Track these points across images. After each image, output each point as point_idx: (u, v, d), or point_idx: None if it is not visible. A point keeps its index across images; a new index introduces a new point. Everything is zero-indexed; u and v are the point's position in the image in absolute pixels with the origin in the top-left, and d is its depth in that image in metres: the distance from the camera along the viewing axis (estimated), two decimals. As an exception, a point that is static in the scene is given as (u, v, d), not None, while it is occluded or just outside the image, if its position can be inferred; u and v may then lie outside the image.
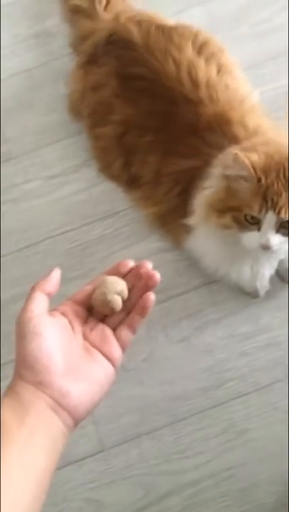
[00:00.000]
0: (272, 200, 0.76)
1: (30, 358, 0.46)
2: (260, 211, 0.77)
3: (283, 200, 0.76)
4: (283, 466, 0.91)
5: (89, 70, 1.05)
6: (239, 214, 0.79)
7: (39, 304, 0.49)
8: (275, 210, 0.77)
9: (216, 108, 0.93)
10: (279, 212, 0.77)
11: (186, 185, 0.93)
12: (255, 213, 0.78)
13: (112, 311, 0.51)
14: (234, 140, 0.88)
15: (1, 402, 0.46)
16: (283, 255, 0.92)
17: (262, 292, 0.98)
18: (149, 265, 0.52)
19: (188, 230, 0.94)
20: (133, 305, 0.52)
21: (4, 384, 0.95)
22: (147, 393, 0.97)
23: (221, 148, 0.86)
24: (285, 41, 1.16)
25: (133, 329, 0.52)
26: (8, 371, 0.87)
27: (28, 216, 1.10)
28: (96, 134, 1.07)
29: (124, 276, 0.52)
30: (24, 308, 0.48)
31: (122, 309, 0.51)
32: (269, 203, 0.77)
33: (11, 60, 1.22)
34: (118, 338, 0.51)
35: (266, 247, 0.79)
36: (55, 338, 0.47)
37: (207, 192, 0.87)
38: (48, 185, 1.12)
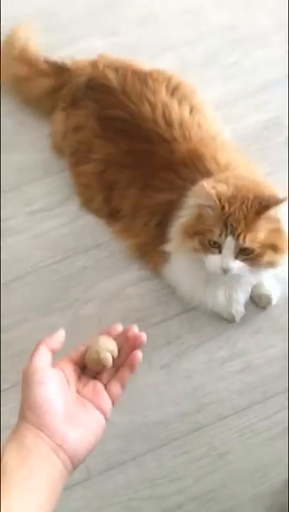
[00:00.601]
0: (232, 226, 0.83)
1: (33, 403, 0.51)
2: (220, 235, 0.84)
3: (242, 227, 0.83)
4: (262, 487, 0.94)
5: (70, 112, 1.12)
6: (204, 238, 0.86)
7: (43, 357, 0.55)
8: (233, 235, 0.83)
9: (189, 145, 0.99)
10: (237, 238, 0.83)
11: (163, 217, 0.98)
12: (215, 238, 0.85)
13: (104, 368, 0.57)
14: (207, 174, 0.94)
15: (7, 443, 0.50)
16: (255, 281, 0.98)
17: (238, 317, 1.02)
18: (135, 329, 0.58)
19: (166, 258, 1.00)
20: (122, 362, 0.58)
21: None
22: (130, 419, 0.99)
23: (194, 181, 0.92)
24: (252, 81, 1.24)
25: (123, 384, 0.57)
26: None
27: (13, 250, 1.14)
28: (78, 171, 1.13)
29: (114, 338, 0.58)
30: (31, 361, 0.54)
31: (112, 366, 0.57)
32: (228, 229, 0.83)
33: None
34: (109, 392, 0.56)
35: (225, 270, 0.85)
36: (56, 387, 0.53)
37: (182, 220, 0.93)
38: (32, 219, 1.16)
